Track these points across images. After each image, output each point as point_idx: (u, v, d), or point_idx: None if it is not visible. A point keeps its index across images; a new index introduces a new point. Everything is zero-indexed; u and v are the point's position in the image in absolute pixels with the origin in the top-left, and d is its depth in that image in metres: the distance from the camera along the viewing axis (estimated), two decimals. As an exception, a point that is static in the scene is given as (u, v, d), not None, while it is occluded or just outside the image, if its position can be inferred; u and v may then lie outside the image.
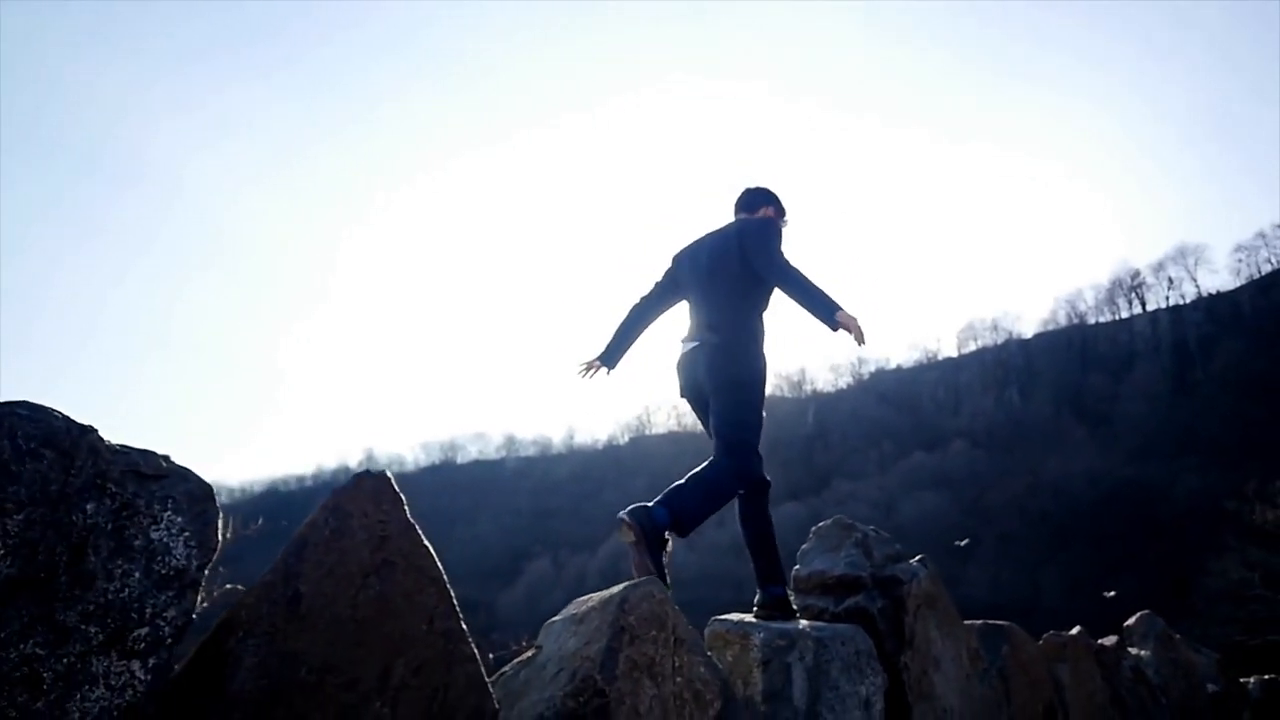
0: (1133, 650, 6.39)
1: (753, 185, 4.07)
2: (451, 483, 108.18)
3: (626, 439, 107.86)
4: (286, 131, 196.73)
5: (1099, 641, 5.82)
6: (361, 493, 1.78)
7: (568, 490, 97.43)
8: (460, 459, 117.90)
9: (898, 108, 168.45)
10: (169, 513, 1.51)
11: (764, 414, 3.48)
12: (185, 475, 1.56)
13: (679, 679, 2.26)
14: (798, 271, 3.45)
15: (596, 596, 2.34)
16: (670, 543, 3.09)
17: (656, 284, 3.96)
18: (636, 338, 3.96)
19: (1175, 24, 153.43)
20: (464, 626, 1.86)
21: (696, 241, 3.89)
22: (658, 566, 2.91)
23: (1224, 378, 72.19)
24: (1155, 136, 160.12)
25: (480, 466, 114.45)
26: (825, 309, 3.30)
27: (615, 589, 2.29)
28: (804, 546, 3.67)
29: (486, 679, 1.86)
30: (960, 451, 76.43)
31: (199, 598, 1.55)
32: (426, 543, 1.85)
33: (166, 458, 1.54)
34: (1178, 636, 7.17)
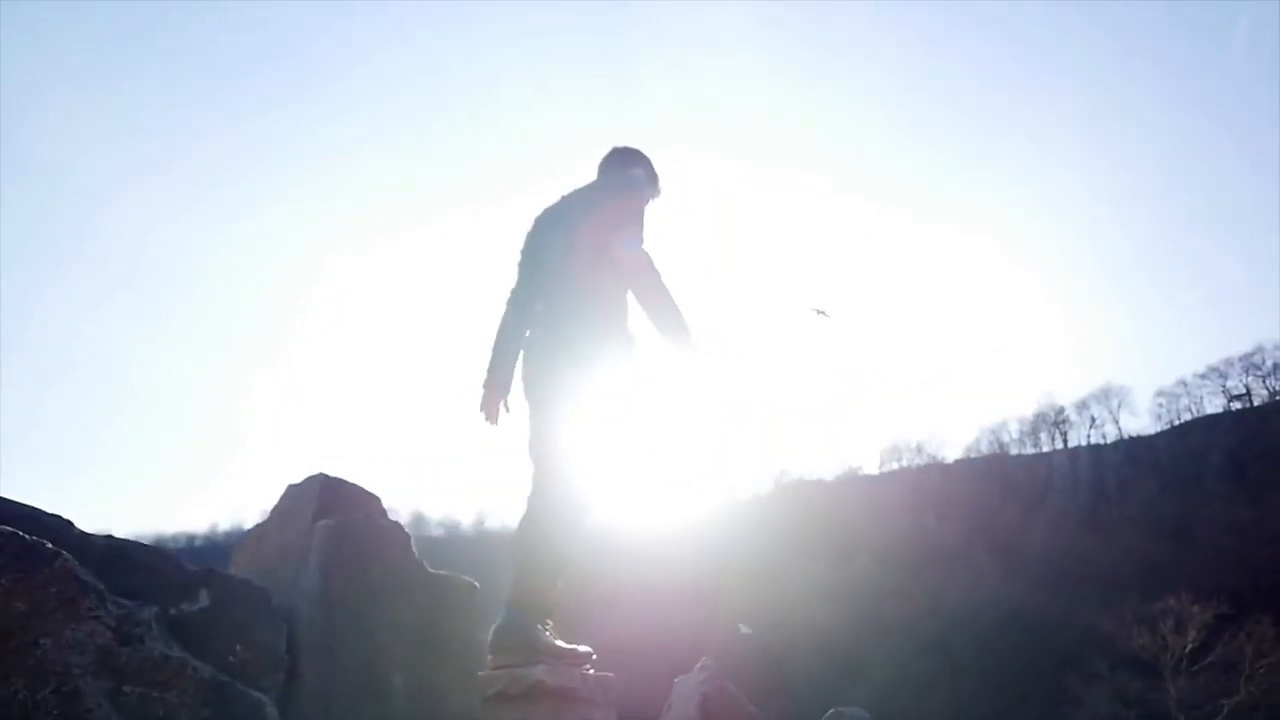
0: None
1: (622, 145, 3.57)
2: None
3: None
4: (266, 188, 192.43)
5: None
6: None
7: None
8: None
9: (877, 199, 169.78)
10: None
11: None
12: None
13: None
14: (659, 277, 3.09)
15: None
16: None
17: (520, 271, 3.38)
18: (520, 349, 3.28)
19: (1117, 165, 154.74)
20: None
21: (553, 206, 3.39)
22: None
23: (1134, 517, 71.30)
24: (1090, 277, 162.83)
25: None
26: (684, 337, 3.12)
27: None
28: None
29: None
30: (865, 568, 73.95)
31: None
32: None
33: None
34: None
